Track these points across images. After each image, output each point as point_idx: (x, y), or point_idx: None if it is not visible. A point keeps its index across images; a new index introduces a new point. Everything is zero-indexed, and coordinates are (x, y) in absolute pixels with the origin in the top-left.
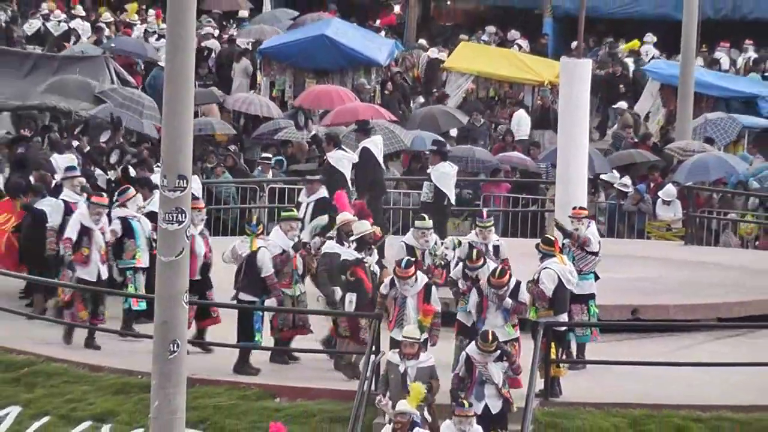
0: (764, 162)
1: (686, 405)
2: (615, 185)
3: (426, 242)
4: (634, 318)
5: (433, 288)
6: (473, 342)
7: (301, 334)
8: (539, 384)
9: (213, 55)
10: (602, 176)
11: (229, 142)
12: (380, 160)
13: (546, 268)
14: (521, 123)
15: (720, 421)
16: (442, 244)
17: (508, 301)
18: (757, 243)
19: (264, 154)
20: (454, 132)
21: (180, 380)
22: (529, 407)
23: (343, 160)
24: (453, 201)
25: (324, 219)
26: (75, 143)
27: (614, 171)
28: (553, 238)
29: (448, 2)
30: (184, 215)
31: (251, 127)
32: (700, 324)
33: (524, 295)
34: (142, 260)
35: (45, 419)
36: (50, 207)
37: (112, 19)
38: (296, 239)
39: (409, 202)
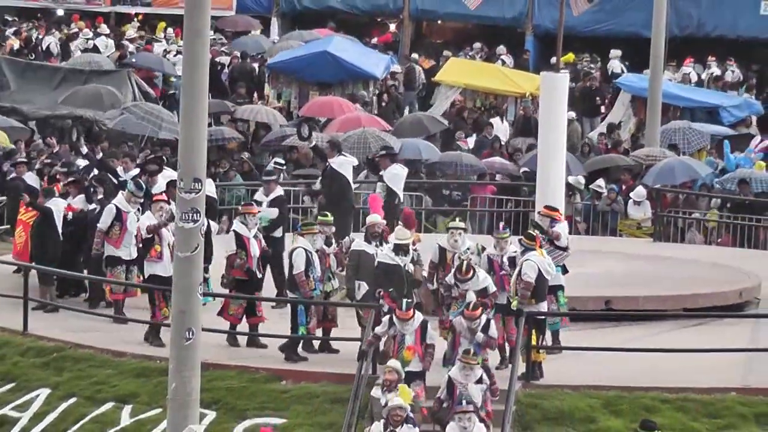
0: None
1: (654, 387)
2: (591, 187)
3: (456, 242)
4: (608, 308)
5: (429, 325)
6: (455, 364)
7: (330, 326)
8: (522, 368)
9: (226, 69)
10: (569, 178)
11: (238, 148)
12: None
13: (527, 260)
14: (498, 131)
15: (685, 402)
16: (467, 249)
17: (480, 335)
18: (719, 240)
19: (277, 160)
20: (472, 142)
21: (195, 364)
22: (512, 389)
23: (345, 164)
24: (402, 199)
25: (273, 212)
26: (84, 150)
27: (580, 178)
28: (534, 234)
29: (439, 22)
30: (198, 215)
31: (261, 135)
32: (668, 314)
33: (494, 331)
34: None
35: (72, 400)
36: (78, 205)
37: (135, 36)
38: (331, 239)
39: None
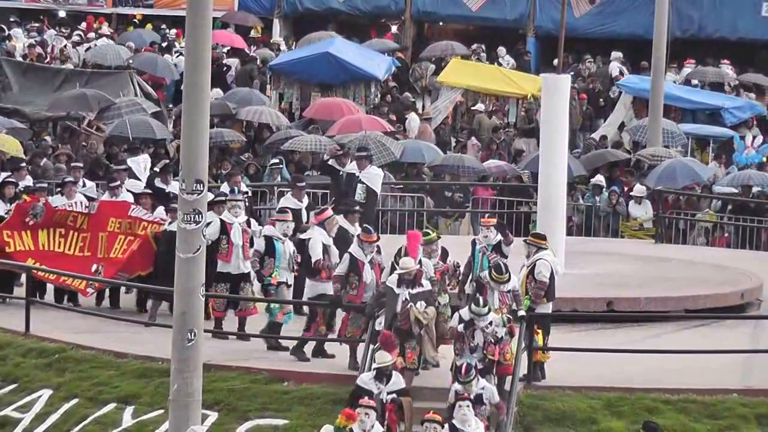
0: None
1: (656, 388)
2: (591, 181)
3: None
4: (609, 309)
5: None
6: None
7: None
8: (523, 369)
9: (232, 72)
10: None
11: (241, 150)
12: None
13: (540, 259)
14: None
15: (686, 403)
16: (491, 323)
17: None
18: (715, 236)
19: (273, 160)
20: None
21: (197, 365)
22: (514, 390)
23: (375, 178)
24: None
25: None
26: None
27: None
28: (543, 233)
29: (440, 23)
30: (200, 216)
31: (264, 137)
32: (669, 315)
33: None
34: (279, 278)
35: (74, 401)
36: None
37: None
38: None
39: (404, 205)
